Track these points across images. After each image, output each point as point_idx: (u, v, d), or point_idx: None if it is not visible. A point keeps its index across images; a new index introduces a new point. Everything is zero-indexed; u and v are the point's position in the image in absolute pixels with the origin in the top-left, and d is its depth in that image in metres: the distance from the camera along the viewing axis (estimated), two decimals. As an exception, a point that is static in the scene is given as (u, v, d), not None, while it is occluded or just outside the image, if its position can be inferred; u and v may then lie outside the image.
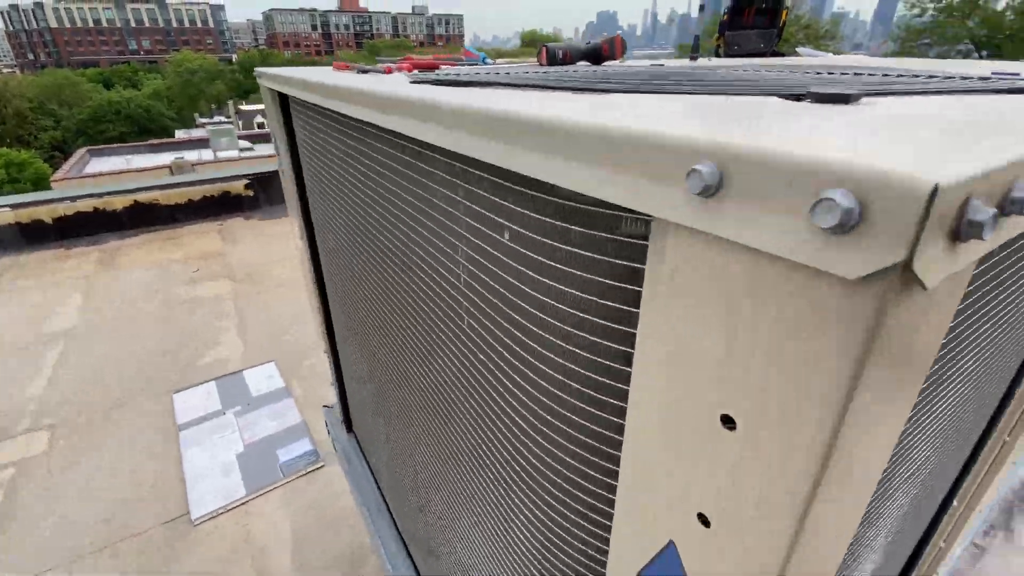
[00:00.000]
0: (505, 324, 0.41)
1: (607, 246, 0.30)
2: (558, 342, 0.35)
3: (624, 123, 0.23)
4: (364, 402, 1.11)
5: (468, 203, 0.41)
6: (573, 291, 0.33)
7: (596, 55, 1.08)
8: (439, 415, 0.62)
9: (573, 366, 0.35)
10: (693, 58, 1.46)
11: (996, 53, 14.88)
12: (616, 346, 0.32)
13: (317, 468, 2.05)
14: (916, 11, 15.81)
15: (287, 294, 3.42)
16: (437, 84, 0.56)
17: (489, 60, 1.17)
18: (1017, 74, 0.49)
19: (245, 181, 4.71)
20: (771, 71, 0.67)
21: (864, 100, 0.31)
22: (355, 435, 1.39)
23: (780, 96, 0.34)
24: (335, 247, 0.93)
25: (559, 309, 0.34)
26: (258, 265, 3.87)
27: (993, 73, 0.52)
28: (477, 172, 0.39)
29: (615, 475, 0.33)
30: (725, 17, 1.79)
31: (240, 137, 10.72)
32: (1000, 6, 14.80)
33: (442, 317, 0.52)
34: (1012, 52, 14.48)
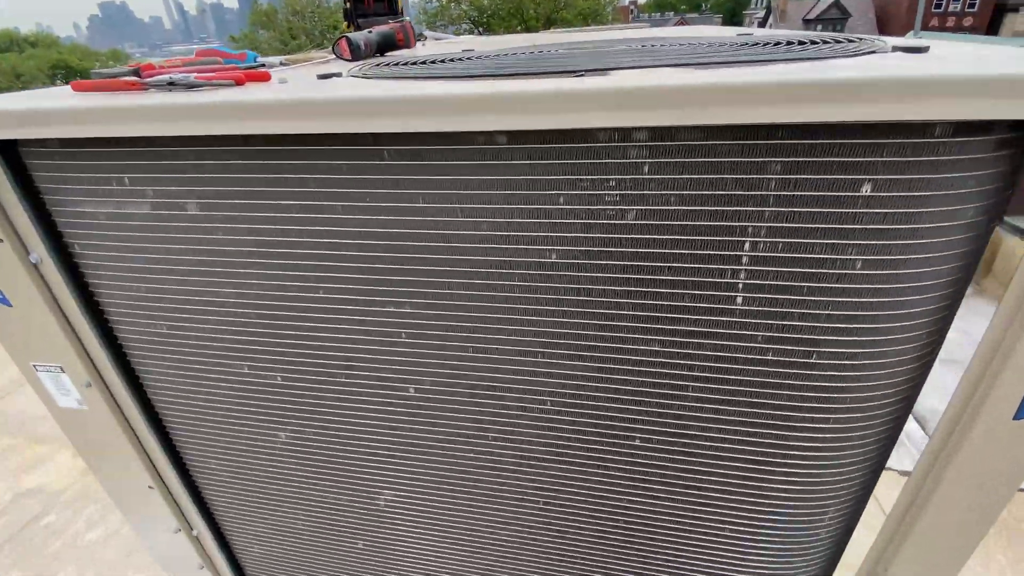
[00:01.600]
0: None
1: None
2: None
3: None
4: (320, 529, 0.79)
5: (785, 175, 0.39)
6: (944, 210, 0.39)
7: (389, 43, 1.02)
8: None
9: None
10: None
11: (488, 29, 19.74)
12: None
13: None
14: (425, -3, 19.47)
15: None
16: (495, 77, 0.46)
17: (261, 59, 0.93)
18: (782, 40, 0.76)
19: None
20: (660, 44, 0.80)
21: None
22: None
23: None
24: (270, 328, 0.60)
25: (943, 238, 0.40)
26: None
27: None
28: (806, 142, 0.38)
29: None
30: (348, 4, 1.86)
31: None
32: (477, -8, 19.56)
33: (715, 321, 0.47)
34: (496, 27, 19.48)
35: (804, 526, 0.59)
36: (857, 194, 0.39)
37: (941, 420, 0.50)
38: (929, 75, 0.33)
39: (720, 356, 0.49)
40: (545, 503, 0.65)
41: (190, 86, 0.55)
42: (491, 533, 0.70)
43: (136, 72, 0.67)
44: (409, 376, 0.58)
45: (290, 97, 0.42)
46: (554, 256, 0.47)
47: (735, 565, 0.63)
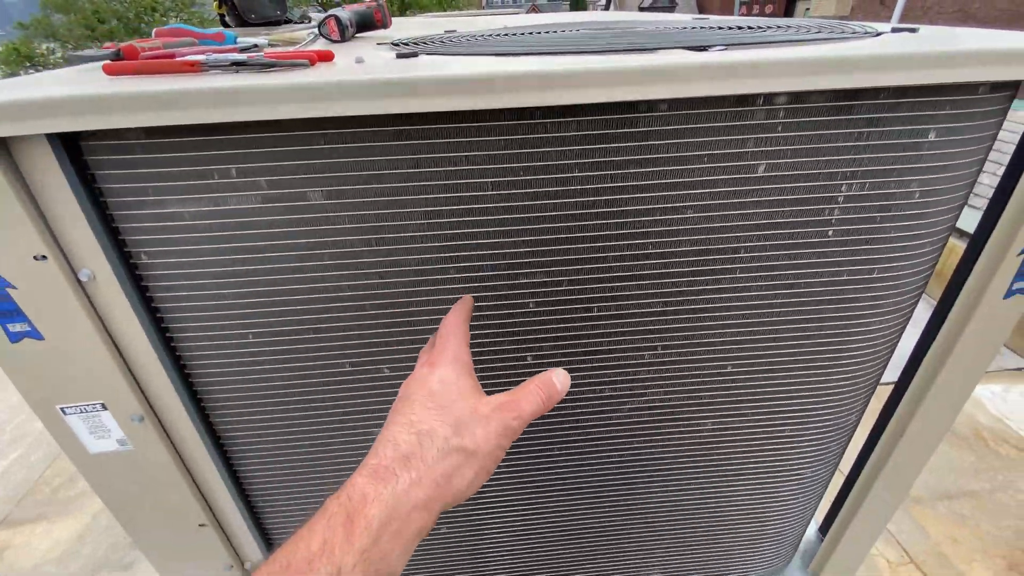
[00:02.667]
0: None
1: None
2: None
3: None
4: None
5: (881, 128, 0.50)
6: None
7: (368, 23, 1.01)
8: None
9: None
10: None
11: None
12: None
13: None
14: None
15: None
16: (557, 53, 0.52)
17: (242, 40, 0.87)
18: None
19: None
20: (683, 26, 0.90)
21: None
22: None
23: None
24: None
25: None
26: None
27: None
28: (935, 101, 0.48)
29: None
30: (223, -17, 1.75)
31: None
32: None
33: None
34: (349, 11, 18.32)
35: (845, 417, 0.74)
36: (924, 139, 0.51)
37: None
38: (990, 47, 0.45)
39: (808, 282, 0.59)
40: (628, 467, 0.72)
41: (263, 67, 0.51)
42: (575, 512, 0.75)
43: (117, 54, 0.59)
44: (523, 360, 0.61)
45: (473, 72, 0.42)
46: (690, 212, 0.53)
47: (789, 458, 0.77)
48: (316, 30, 0.91)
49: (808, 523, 0.94)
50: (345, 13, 0.88)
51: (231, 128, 0.46)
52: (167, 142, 0.46)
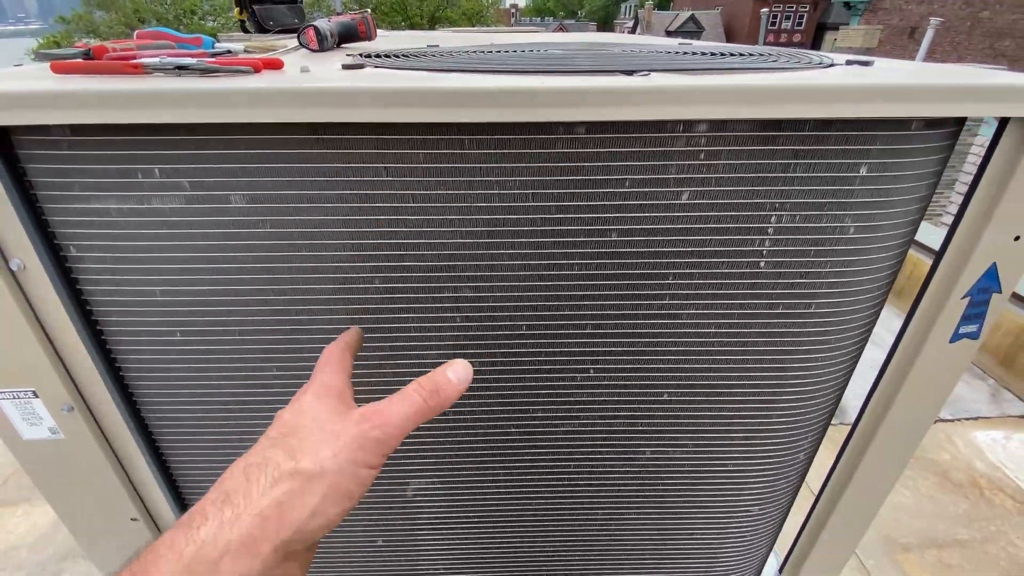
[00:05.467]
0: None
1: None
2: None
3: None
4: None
5: (808, 160, 0.49)
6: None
7: (351, 34, 1.02)
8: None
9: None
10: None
11: (370, 23, 19.01)
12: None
13: None
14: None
15: None
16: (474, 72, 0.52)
17: (219, 45, 0.89)
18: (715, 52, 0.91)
19: None
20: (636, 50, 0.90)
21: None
22: None
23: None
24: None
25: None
26: None
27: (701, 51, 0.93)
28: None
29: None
30: (243, -11, 1.78)
31: None
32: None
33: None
34: (379, 22, 18.83)
35: (792, 454, 0.71)
36: (856, 174, 0.50)
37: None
38: (923, 83, 0.44)
39: (743, 313, 0.58)
40: (563, 492, 0.70)
41: (204, 71, 0.52)
42: (531, 513, 0.74)
43: (87, 54, 0.61)
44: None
45: (402, 86, 0.43)
46: (614, 235, 0.53)
47: (734, 494, 0.75)
48: (297, 39, 0.92)
49: (763, 562, 0.91)
50: (327, 24, 0.89)
51: (156, 129, 0.47)
52: (92, 140, 0.47)
